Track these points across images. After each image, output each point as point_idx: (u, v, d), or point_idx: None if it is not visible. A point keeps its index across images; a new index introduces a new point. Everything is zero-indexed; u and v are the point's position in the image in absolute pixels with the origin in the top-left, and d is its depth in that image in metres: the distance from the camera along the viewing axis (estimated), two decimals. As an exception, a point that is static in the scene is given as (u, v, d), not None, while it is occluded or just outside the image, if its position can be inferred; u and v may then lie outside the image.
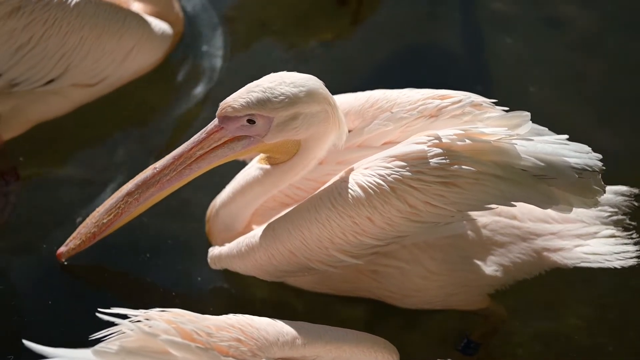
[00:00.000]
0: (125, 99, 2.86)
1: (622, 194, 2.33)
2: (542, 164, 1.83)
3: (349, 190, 1.90)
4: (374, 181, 1.87)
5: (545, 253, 2.23)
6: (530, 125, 1.90)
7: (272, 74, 1.97)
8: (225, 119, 1.96)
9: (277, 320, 1.80)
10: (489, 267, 2.20)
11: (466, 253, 2.20)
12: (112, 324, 1.66)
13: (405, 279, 2.18)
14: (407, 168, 1.85)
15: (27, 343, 1.66)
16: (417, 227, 1.92)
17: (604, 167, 1.89)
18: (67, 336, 2.25)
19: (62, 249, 2.22)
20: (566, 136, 1.94)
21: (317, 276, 2.20)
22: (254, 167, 2.19)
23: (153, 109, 2.91)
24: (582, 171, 1.84)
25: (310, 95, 1.93)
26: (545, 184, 1.84)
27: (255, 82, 1.95)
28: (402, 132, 2.05)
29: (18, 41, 2.42)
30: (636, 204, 2.36)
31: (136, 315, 1.66)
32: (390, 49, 3.12)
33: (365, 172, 1.90)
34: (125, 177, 2.32)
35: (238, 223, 2.24)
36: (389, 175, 1.86)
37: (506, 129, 1.88)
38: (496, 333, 2.36)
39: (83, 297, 2.38)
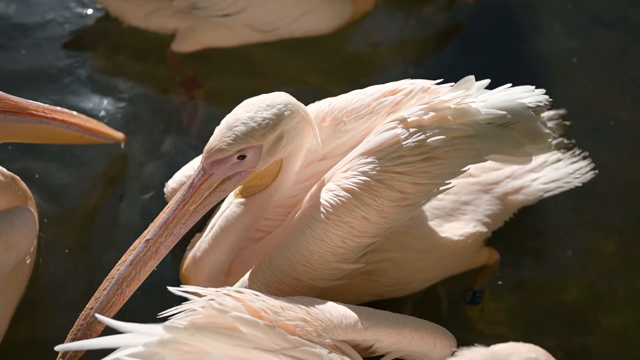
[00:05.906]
0: (297, 49, 3.05)
1: (552, 118, 2.46)
2: (503, 112, 1.91)
3: (338, 197, 1.90)
4: (360, 180, 1.88)
5: (509, 197, 2.35)
6: (476, 84, 2.00)
7: (239, 106, 1.95)
8: (215, 163, 1.90)
9: (340, 304, 1.86)
10: (468, 226, 2.29)
11: (444, 221, 2.28)
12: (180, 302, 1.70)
13: (400, 269, 2.21)
14: (387, 157, 1.88)
15: (99, 317, 1.73)
16: (407, 211, 1.94)
17: (551, 99, 1.98)
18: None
19: None
20: (509, 85, 2.02)
21: (315, 295, 2.14)
22: (233, 204, 2.13)
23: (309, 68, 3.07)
24: (536, 108, 1.93)
25: (289, 109, 1.93)
26: (510, 130, 1.92)
27: (231, 118, 1.91)
28: (364, 135, 2.06)
29: None
30: (567, 123, 2.48)
31: (208, 294, 1.71)
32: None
33: (347, 175, 1.91)
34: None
35: (222, 272, 2.18)
36: (372, 170, 1.88)
37: (463, 90, 1.96)
38: (494, 274, 2.46)
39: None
